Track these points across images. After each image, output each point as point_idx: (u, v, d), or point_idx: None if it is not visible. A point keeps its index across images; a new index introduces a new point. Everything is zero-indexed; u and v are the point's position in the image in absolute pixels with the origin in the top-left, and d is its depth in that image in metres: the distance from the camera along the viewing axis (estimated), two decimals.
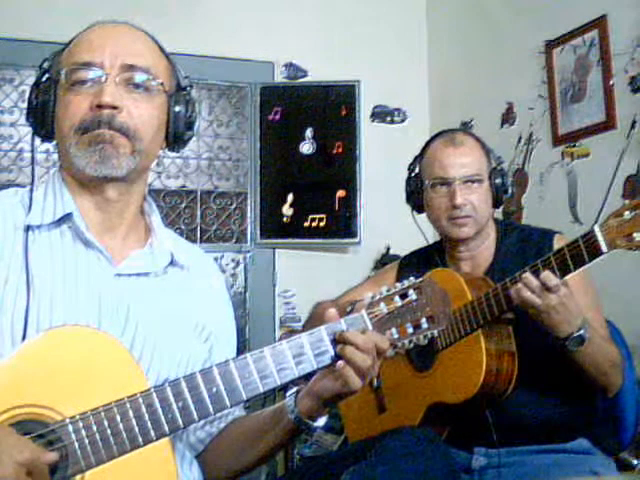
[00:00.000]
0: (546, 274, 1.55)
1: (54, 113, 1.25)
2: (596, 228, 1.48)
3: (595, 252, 1.49)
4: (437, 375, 1.81)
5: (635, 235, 1.41)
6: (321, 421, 1.22)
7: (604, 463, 1.71)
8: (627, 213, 1.43)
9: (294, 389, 1.25)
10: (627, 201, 1.49)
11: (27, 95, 1.30)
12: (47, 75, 1.27)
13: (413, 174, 1.96)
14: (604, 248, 1.47)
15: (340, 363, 1.15)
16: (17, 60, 3.32)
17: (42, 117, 1.26)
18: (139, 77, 1.24)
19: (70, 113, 1.22)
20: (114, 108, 1.21)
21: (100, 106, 1.20)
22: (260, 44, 3.65)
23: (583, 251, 1.51)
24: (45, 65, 1.28)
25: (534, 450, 1.72)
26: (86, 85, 1.22)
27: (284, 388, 3.34)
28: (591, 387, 1.71)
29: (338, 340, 1.16)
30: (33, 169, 1.31)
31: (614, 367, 1.70)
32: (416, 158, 1.97)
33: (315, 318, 1.95)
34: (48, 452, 1.03)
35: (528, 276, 1.57)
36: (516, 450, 1.72)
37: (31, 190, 1.27)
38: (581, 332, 1.60)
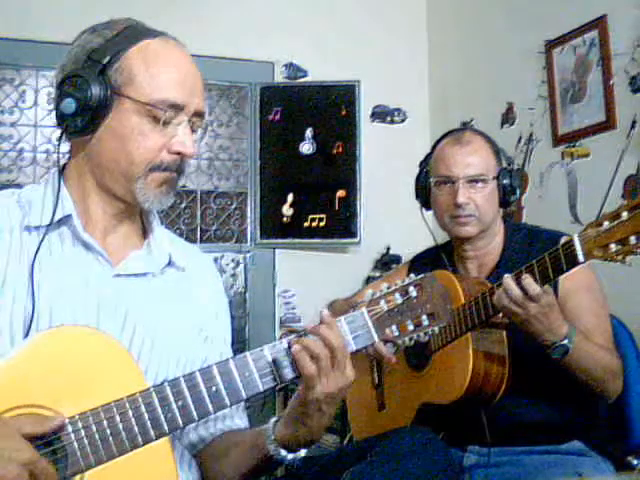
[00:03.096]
0: (527, 282, 1.53)
1: (104, 119, 1.21)
2: (575, 237, 1.46)
3: (573, 261, 1.47)
4: (429, 376, 1.82)
5: (612, 246, 1.38)
6: (297, 454, 1.19)
7: (596, 465, 1.70)
8: (606, 223, 1.39)
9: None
10: (626, 202, 1.47)
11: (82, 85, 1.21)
12: (106, 73, 1.20)
13: (423, 171, 1.96)
14: (581, 258, 1.45)
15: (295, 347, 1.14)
16: (17, 60, 3.31)
17: (92, 117, 1.20)
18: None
19: (147, 147, 1.22)
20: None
21: (179, 153, 1.23)
22: (260, 44, 3.65)
23: (562, 259, 1.49)
24: (105, 60, 1.21)
25: (526, 451, 1.72)
26: (167, 126, 1.22)
27: (284, 388, 3.35)
28: (586, 391, 1.70)
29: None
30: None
31: (610, 374, 1.68)
32: (427, 156, 1.97)
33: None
34: (47, 422, 1.03)
35: (509, 283, 1.56)
36: (508, 450, 1.73)
37: (36, 191, 1.27)
38: (564, 342, 1.58)
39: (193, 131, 1.26)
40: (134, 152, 1.22)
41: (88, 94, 1.19)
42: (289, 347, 1.15)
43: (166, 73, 1.23)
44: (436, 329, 1.20)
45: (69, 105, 1.20)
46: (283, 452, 1.18)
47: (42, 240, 1.20)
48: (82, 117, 1.20)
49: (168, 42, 1.26)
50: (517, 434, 1.73)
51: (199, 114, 1.26)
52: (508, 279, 1.56)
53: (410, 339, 1.20)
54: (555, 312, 1.58)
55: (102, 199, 1.27)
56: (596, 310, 1.76)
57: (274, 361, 1.14)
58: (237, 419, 1.37)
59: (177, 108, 1.22)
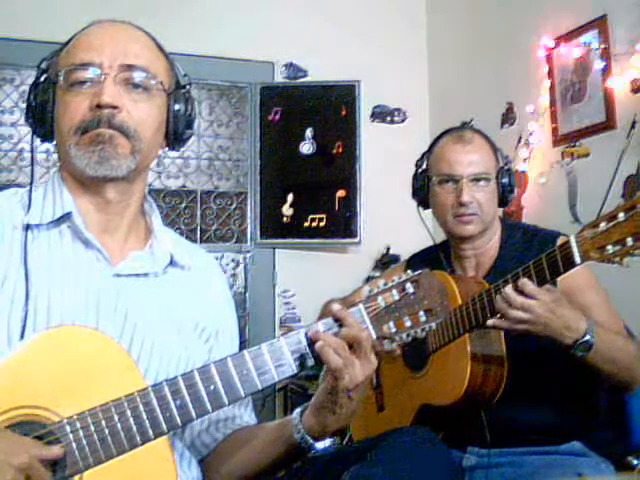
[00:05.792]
0: (522, 282, 1.53)
1: (53, 113, 1.25)
2: (572, 238, 1.44)
3: (569, 263, 1.46)
4: (428, 377, 1.81)
5: (608, 248, 1.36)
6: (324, 443, 1.21)
7: (596, 465, 1.69)
8: (603, 225, 1.38)
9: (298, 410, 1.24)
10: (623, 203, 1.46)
11: (26, 95, 1.30)
12: (45, 75, 1.27)
13: (420, 170, 1.95)
14: (577, 259, 1.43)
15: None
16: (17, 60, 3.32)
17: (41, 118, 1.26)
18: (138, 76, 1.23)
19: (70, 114, 1.22)
20: (114, 108, 1.20)
21: (99, 106, 1.20)
22: (260, 44, 3.65)
23: (558, 261, 1.48)
24: (43, 65, 1.28)
25: (525, 452, 1.71)
26: (85, 85, 1.22)
27: (284, 387, 3.34)
28: (613, 384, 1.68)
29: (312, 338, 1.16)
30: (32, 169, 1.31)
31: (636, 360, 1.65)
32: (424, 154, 1.96)
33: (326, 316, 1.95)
34: (51, 447, 1.02)
35: (509, 293, 1.54)
36: (507, 451, 1.72)
37: (30, 190, 1.27)
38: (587, 337, 1.55)
39: (137, 86, 1.24)
40: (62, 124, 1.23)
41: (31, 98, 1.27)
42: (307, 339, 1.15)
43: (75, 42, 1.27)
44: (433, 325, 1.19)
45: (25, 115, 1.30)
46: (311, 440, 1.19)
47: (26, 237, 1.20)
48: (34, 120, 1.28)
49: (100, 23, 1.28)
50: (517, 435, 1.72)
51: (130, 67, 1.23)
52: (507, 289, 1.55)
53: (407, 335, 1.19)
54: (564, 306, 1.56)
55: (87, 193, 1.27)
56: (604, 305, 1.75)
57: (272, 359, 1.14)
58: (246, 417, 1.37)
59: (91, 65, 1.22)
